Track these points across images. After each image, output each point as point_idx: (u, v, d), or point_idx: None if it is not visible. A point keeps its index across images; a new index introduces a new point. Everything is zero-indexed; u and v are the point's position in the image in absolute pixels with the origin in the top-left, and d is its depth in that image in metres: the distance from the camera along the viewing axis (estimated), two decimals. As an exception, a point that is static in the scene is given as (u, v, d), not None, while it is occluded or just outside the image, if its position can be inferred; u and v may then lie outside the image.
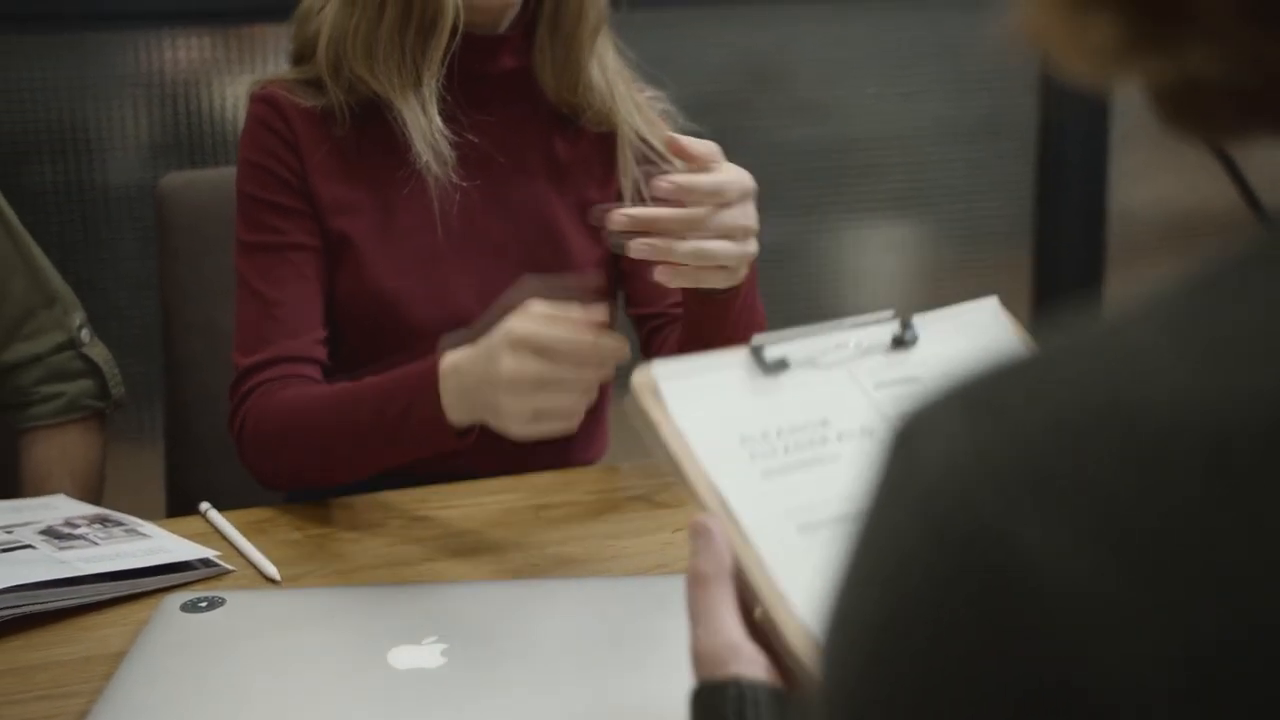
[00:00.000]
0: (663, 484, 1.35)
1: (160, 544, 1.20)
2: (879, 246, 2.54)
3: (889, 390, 0.84)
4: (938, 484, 0.34)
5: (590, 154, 1.39)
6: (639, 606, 1.07)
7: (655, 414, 0.79)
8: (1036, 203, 2.48)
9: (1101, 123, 2.44)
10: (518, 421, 1.12)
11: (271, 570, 1.17)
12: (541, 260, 1.40)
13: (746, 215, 1.18)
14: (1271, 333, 0.32)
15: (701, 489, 0.76)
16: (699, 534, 0.73)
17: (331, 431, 1.28)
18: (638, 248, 1.15)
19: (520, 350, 1.09)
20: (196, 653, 1.01)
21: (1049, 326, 0.36)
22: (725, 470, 0.77)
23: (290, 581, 1.16)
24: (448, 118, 1.34)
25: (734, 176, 1.18)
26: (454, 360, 1.18)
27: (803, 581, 0.71)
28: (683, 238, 1.15)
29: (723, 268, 1.18)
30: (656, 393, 0.80)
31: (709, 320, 1.28)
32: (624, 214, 1.15)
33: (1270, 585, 0.30)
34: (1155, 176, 2.54)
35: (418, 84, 1.32)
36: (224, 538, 1.24)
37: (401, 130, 1.33)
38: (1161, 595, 0.31)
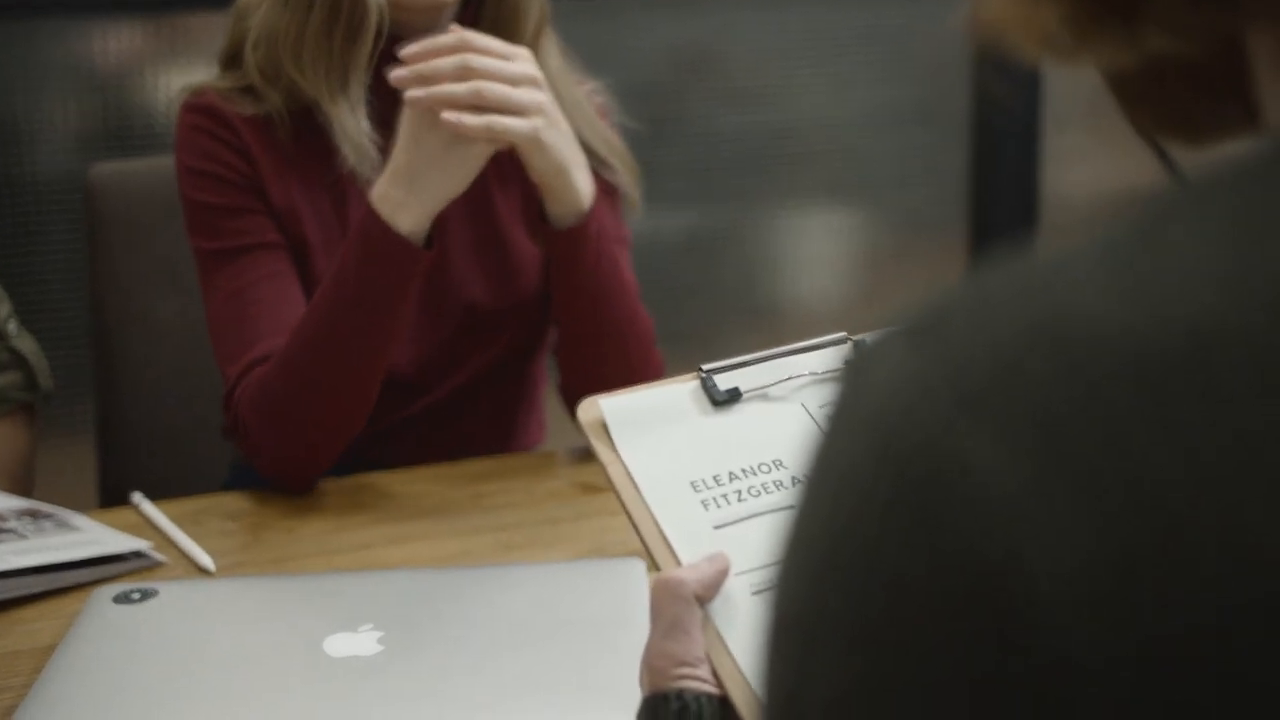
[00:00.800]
0: (599, 470, 1.35)
1: (91, 536, 1.19)
2: (814, 233, 2.55)
3: None
4: (880, 405, 0.35)
5: None
6: (577, 591, 1.07)
7: (604, 454, 0.78)
8: (970, 187, 2.50)
9: (1033, 107, 2.47)
10: (476, 127, 1.18)
11: (206, 560, 1.16)
12: (485, 258, 1.39)
13: (524, 67, 1.22)
14: (1195, 268, 0.34)
15: (654, 544, 0.75)
16: (713, 556, 0.74)
17: (311, 340, 1.26)
18: (412, 95, 1.20)
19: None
20: (129, 645, 1.01)
21: (988, 265, 0.38)
22: (677, 522, 0.75)
23: (225, 571, 1.16)
24: (380, 122, 1.31)
25: (489, 37, 1.23)
26: (381, 180, 1.24)
27: (752, 652, 0.70)
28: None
29: (517, 120, 1.20)
30: (605, 429, 0.78)
31: (568, 264, 1.30)
32: (405, 69, 1.20)
33: (1187, 492, 0.32)
34: (1086, 160, 2.56)
35: (345, 87, 1.30)
36: (156, 529, 1.23)
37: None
38: (1088, 501, 0.32)
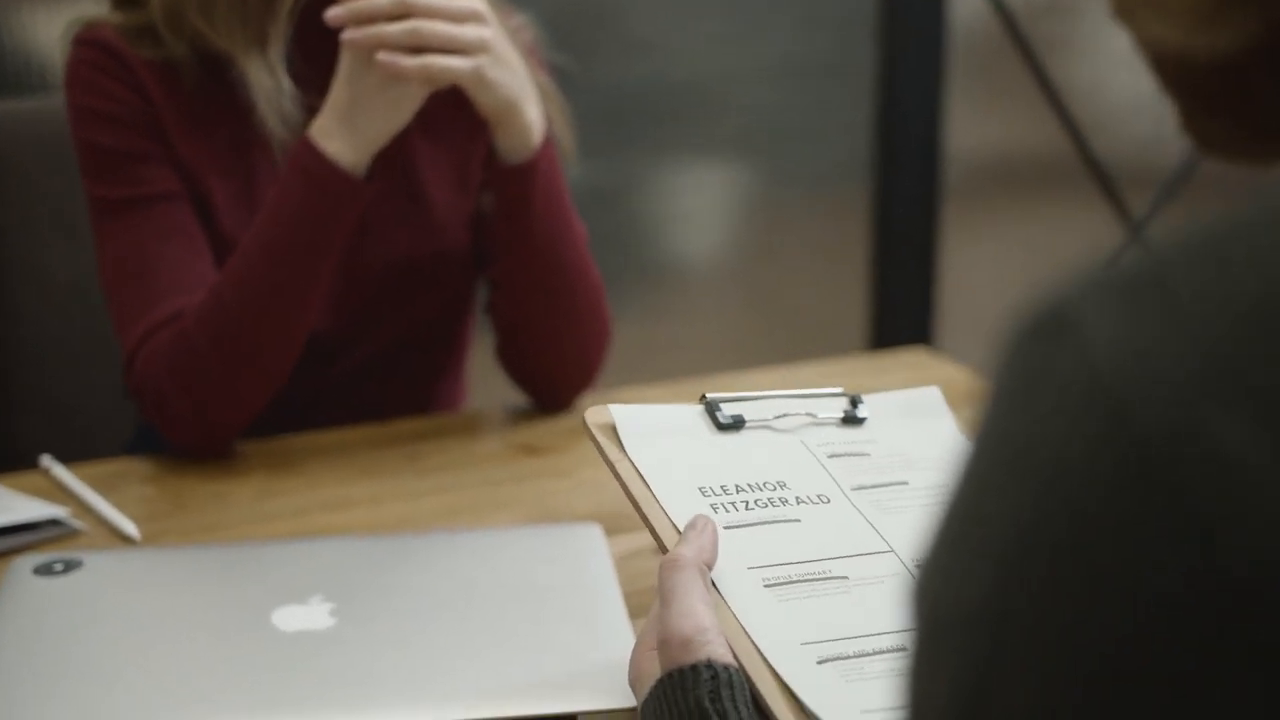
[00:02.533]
0: (540, 431, 1.30)
1: (2, 502, 1.10)
2: (716, 187, 2.52)
3: (842, 461, 0.84)
4: (1101, 374, 0.31)
5: (460, 102, 1.26)
6: (535, 557, 1.02)
7: (612, 454, 0.79)
8: (874, 142, 2.48)
9: (936, 63, 2.45)
10: (412, 69, 1.13)
11: (130, 528, 1.08)
12: (406, 216, 1.32)
13: (469, 1, 1.17)
14: None
15: (668, 538, 0.75)
16: (695, 525, 0.73)
17: (241, 281, 1.18)
18: (349, 36, 1.16)
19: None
20: (56, 620, 0.93)
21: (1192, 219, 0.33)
22: (688, 518, 0.75)
23: (151, 540, 1.08)
24: (298, 78, 1.23)
25: None
26: (320, 115, 1.18)
27: (769, 632, 0.69)
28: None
29: (457, 60, 1.16)
30: (614, 433, 0.80)
31: (516, 205, 1.24)
32: (340, 8, 1.15)
33: None
34: (988, 118, 2.56)
35: (263, 43, 1.21)
36: (71, 494, 1.15)
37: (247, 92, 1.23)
38: None
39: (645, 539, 1.06)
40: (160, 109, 1.23)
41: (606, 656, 0.89)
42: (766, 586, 0.72)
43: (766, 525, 0.77)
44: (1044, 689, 0.31)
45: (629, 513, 1.10)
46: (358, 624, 0.92)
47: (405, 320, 1.35)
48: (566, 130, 1.34)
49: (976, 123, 2.53)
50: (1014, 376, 0.33)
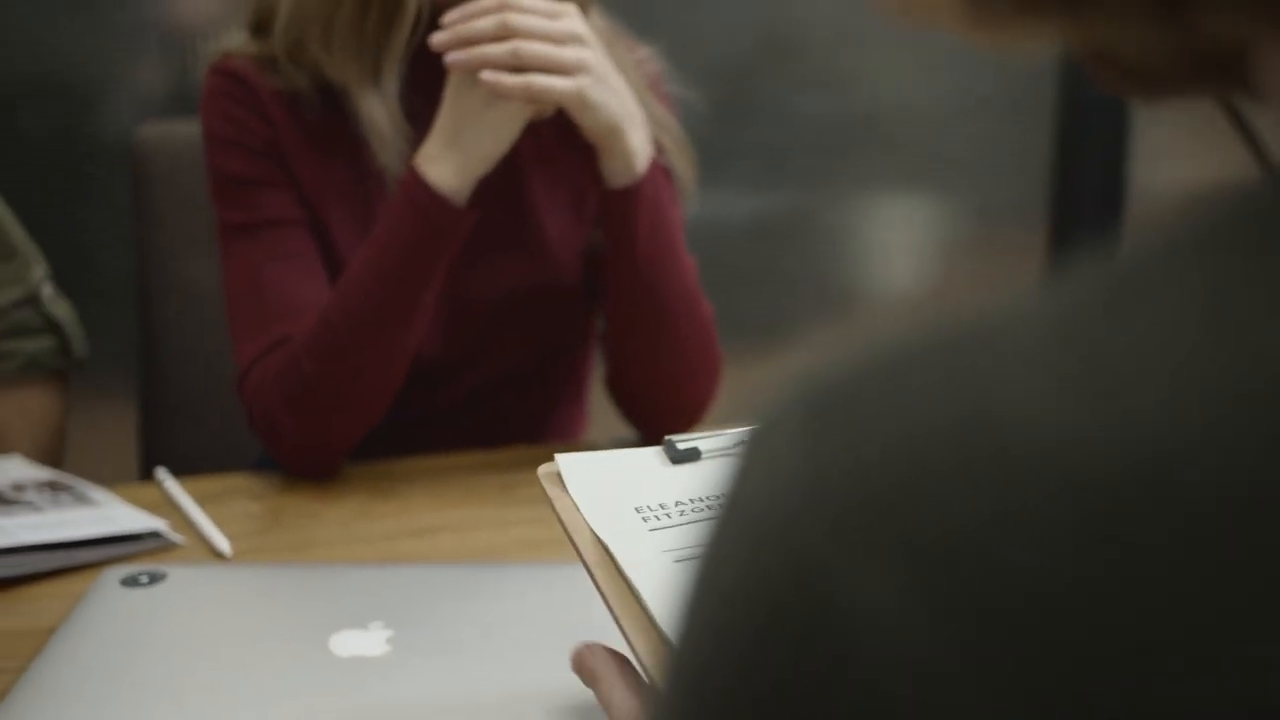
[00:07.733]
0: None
1: (107, 513, 1.15)
2: (890, 221, 2.48)
3: None
4: (764, 511, 0.29)
5: (574, 135, 1.27)
6: (595, 593, 1.01)
7: (552, 492, 0.78)
8: (1054, 180, 2.41)
9: (1123, 99, 2.37)
10: (514, 86, 1.14)
11: (223, 544, 1.12)
12: (519, 245, 1.33)
13: (569, 24, 1.17)
14: (1163, 356, 0.26)
15: (590, 558, 0.75)
16: (579, 660, 0.74)
17: (349, 304, 1.20)
18: (453, 58, 1.17)
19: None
20: (130, 631, 0.96)
21: (926, 313, 0.30)
22: (615, 530, 0.75)
23: (241, 556, 1.11)
24: (412, 113, 1.26)
25: None
26: (427, 140, 1.20)
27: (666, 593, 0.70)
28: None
29: (559, 79, 1.16)
30: (559, 476, 0.79)
31: (620, 230, 1.24)
32: (444, 32, 1.17)
33: (1146, 666, 0.24)
34: (1178, 156, 2.46)
35: (377, 77, 1.25)
36: (177, 507, 1.19)
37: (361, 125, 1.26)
38: (1006, 670, 0.25)
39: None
40: (285, 138, 1.27)
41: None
42: (677, 562, 0.73)
43: (694, 525, 0.77)
44: None
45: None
46: (411, 652, 0.93)
47: (515, 349, 1.35)
48: (687, 165, 1.33)
49: (1167, 160, 2.43)
50: (724, 489, 0.31)
